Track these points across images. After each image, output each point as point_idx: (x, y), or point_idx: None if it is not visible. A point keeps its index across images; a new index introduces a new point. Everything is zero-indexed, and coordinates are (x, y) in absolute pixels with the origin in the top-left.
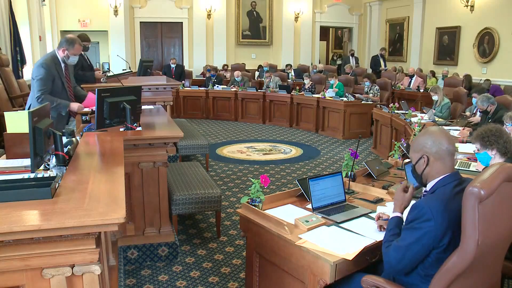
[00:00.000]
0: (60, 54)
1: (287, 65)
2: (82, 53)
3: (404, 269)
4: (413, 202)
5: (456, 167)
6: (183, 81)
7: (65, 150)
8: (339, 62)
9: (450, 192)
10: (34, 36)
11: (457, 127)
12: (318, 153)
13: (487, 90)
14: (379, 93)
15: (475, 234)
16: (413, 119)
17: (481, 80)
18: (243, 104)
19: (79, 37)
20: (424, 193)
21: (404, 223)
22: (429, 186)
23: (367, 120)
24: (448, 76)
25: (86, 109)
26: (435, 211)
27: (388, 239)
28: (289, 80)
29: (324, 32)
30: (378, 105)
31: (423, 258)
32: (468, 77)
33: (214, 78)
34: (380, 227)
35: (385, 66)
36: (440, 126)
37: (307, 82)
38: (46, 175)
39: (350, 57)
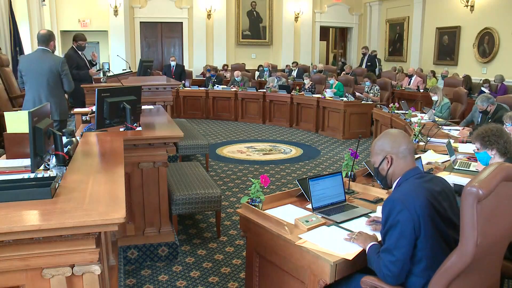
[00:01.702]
0: (51, 48)
1: (293, 63)
2: (79, 52)
3: (401, 270)
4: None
5: (456, 167)
6: (183, 81)
7: (65, 150)
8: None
9: (414, 181)
10: (34, 36)
11: (457, 127)
12: (318, 153)
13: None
14: (379, 93)
15: (474, 234)
16: (413, 119)
17: (480, 80)
18: (243, 104)
19: (76, 36)
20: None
21: (381, 228)
22: (394, 184)
23: (367, 120)
24: (448, 76)
25: (86, 109)
26: (405, 199)
27: (378, 262)
28: (289, 81)
29: (324, 32)
30: (378, 105)
31: (412, 253)
32: (467, 78)
33: (214, 78)
34: (374, 228)
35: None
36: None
37: (307, 82)
38: (46, 175)
39: None
